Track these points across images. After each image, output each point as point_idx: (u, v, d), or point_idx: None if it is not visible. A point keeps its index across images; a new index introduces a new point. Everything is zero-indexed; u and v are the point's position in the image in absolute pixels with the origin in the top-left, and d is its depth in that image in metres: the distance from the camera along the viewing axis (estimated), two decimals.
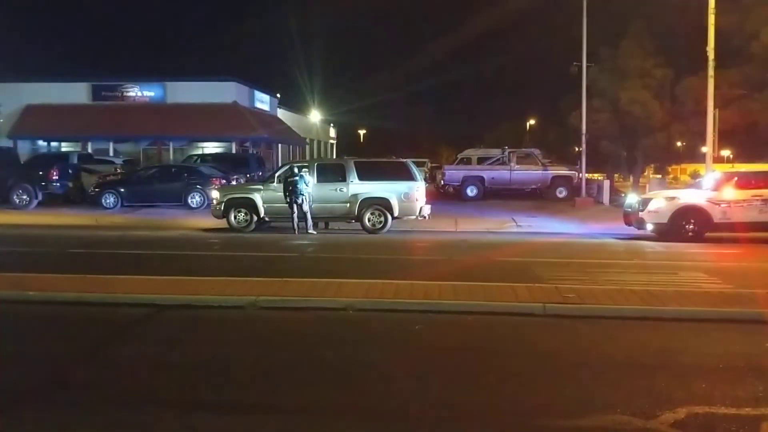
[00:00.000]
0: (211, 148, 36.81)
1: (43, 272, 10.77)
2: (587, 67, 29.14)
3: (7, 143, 33.85)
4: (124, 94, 37.61)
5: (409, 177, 18.45)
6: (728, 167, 36.68)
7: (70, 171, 26.05)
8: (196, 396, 5.88)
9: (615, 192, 30.22)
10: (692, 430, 5.05)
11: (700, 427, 5.10)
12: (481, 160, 32.92)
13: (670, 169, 47.97)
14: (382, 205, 18.15)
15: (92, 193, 24.68)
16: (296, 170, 17.97)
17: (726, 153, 55.30)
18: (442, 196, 30.71)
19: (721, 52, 21.69)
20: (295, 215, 17.77)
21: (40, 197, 24.75)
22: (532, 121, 59.31)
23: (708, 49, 20.39)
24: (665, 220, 16.50)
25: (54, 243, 15.70)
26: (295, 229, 17.81)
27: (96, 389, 6.04)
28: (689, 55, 26.45)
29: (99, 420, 5.31)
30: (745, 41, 27.89)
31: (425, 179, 22.86)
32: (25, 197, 24.50)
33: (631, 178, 37.66)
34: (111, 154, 35.26)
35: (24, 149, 34.18)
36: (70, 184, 25.62)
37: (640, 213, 16.92)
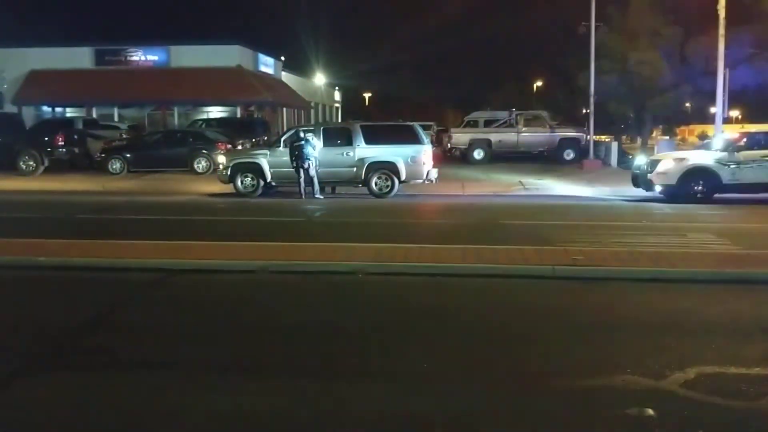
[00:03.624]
0: (215, 112, 36.67)
1: (52, 238, 10.81)
2: (596, 27, 28.71)
3: (12, 109, 33.80)
4: (128, 58, 37.32)
5: (416, 140, 18.33)
6: (738, 128, 36.37)
7: (75, 137, 26.03)
8: (208, 359, 5.92)
9: (623, 154, 30.03)
10: (702, 389, 5.06)
11: (710, 387, 5.12)
12: (488, 123, 32.61)
13: (678, 131, 47.60)
14: (389, 169, 18.08)
15: (98, 159, 24.69)
16: (302, 134, 17.87)
17: (735, 113, 54.83)
18: (449, 159, 30.55)
19: (732, 11, 21.33)
20: (302, 180, 17.73)
21: (46, 163, 24.76)
22: (539, 83, 58.73)
23: (719, 7, 20.07)
24: (674, 182, 16.41)
25: (62, 209, 15.73)
26: (302, 194, 17.79)
27: (109, 353, 6.10)
28: (699, 13, 26.04)
29: (115, 383, 5.37)
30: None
31: (432, 143, 22.74)
32: (31, 163, 24.52)
33: (639, 140, 37.41)
34: (116, 119, 35.16)
35: (28, 115, 34.09)
36: (76, 150, 25.60)
37: (649, 175, 16.83)
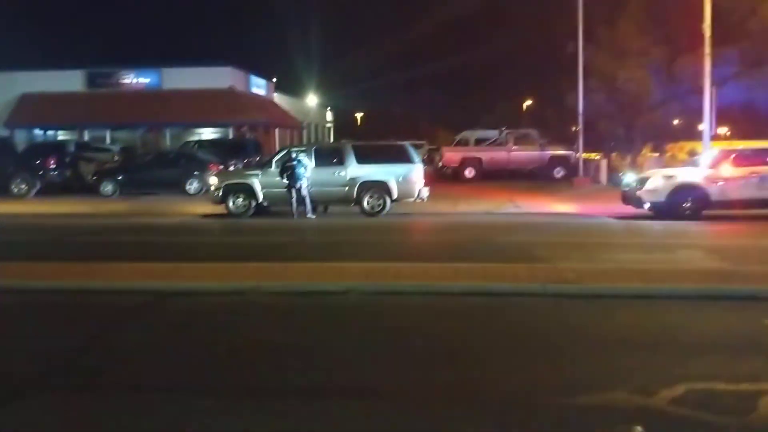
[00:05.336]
0: (207, 133, 36.74)
1: (44, 261, 10.80)
2: (584, 46, 29.02)
3: (4, 132, 33.80)
4: (120, 81, 37.47)
5: (408, 159, 18.43)
6: (726, 144, 36.64)
7: (67, 159, 26.06)
8: (200, 381, 5.93)
9: (613, 171, 30.22)
10: (691, 406, 5.10)
11: (699, 403, 5.16)
12: (478, 142, 32.87)
13: (667, 148, 47.86)
14: (380, 188, 18.14)
15: (91, 182, 24.70)
16: (294, 155, 17.94)
17: (723, 130, 55.19)
18: (441, 178, 30.69)
19: (718, 30, 21.58)
20: (294, 200, 17.77)
21: (38, 186, 24.75)
22: (529, 102, 59.13)
23: (704, 26, 20.31)
24: (663, 199, 16.51)
25: (54, 232, 15.71)
26: (294, 214, 17.83)
27: (102, 376, 6.10)
28: (686, 32, 26.31)
29: (106, 406, 5.37)
30: (743, 18, 27.78)
31: (423, 161, 22.85)
32: (23, 186, 24.52)
33: (629, 157, 37.62)
34: (108, 141, 35.18)
35: (20, 138, 34.09)
36: (68, 173, 25.62)
37: (638, 192, 16.93)
